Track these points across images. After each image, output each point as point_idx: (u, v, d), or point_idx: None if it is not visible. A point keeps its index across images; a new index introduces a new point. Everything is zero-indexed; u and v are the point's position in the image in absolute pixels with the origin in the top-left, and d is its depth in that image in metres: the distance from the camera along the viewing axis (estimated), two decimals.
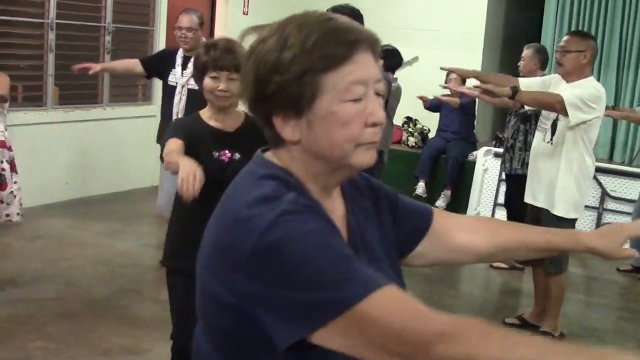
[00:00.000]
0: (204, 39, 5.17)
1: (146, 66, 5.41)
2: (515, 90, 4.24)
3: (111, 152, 7.42)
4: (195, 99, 4.96)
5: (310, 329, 1.15)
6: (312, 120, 1.25)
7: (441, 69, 4.71)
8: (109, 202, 7.19)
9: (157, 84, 7.76)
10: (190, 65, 5.04)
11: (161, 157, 3.01)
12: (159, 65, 5.30)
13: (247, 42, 1.31)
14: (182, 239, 2.99)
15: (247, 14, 8.57)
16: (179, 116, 5.06)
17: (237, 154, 2.90)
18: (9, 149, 4.63)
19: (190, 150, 2.84)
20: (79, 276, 5.14)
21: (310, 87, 1.23)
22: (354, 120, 1.24)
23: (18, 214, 4.68)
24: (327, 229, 1.23)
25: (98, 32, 7.20)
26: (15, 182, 4.65)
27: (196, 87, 5.05)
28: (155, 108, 7.78)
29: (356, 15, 3.88)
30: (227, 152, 2.91)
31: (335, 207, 1.36)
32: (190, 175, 2.63)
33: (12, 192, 4.62)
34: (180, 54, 5.20)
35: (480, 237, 1.53)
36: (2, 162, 4.57)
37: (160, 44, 7.72)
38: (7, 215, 4.64)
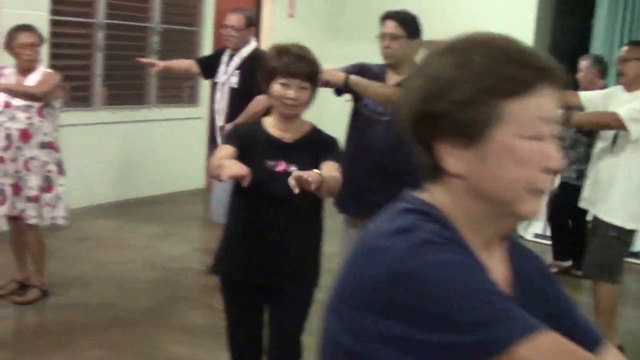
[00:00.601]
0: (254, 41, 5.10)
1: (202, 66, 5.34)
2: (569, 115, 4.13)
3: (157, 153, 7.35)
4: (237, 97, 4.96)
5: None
6: (483, 153, 1.08)
7: None
8: (156, 204, 7.10)
9: (204, 85, 7.70)
10: (233, 63, 5.02)
11: None
12: (214, 65, 5.21)
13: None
14: (232, 248, 2.89)
15: (293, 17, 8.44)
16: (220, 114, 5.02)
17: (292, 167, 2.73)
18: (57, 150, 4.52)
19: (243, 156, 2.72)
20: (131, 280, 5.04)
21: (487, 113, 1.07)
22: (533, 161, 1.08)
23: (63, 217, 4.57)
24: (473, 264, 1.06)
25: (145, 32, 7.12)
26: (62, 185, 4.52)
27: (235, 85, 5.02)
28: (201, 110, 7.74)
29: (415, 22, 3.69)
30: (282, 162, 2.77)
31: (496, 268, 1.16)
32: (234, 164, 2.53)
33: (57, 194, 4.49)
34: (227, 53, 5.14)
35: None
36: (49, 163, 4.45)
37: (207, 45, 7.63)
38: (52, 218, 4.52)
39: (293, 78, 2.71)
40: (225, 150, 2.76)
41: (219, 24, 7.73)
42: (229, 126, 4.89)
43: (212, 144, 5.18)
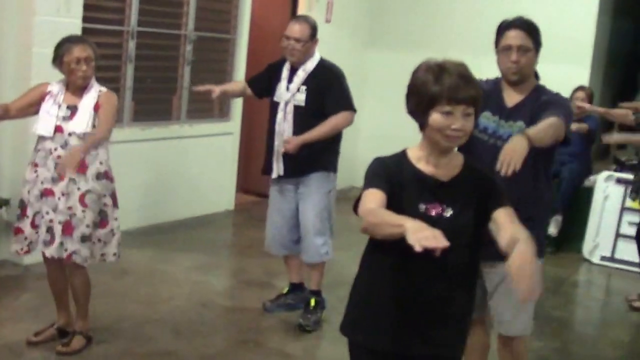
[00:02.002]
0: (317, 54, 4.52)
1: (253, 87, 4.78)
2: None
3: (187, 173, 6.74)
4: (302, 117, 4.40)
5: None
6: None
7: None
8: (188, 230, 6.50)
9: (235, 98, 7.12)
10: (296, 78, 4.44)
11: (354, 208, 2.33)
12: (267, 82, 4.64)
13: None
14: (373, 312, 2.36)
15: (329, 22, 7.90)
16: (283, 136, 4.44)
17: (449, 209, 2.28)
18: (112, 180, 3.92)
19: (391, 201, 2.23)
20: (184, 322, 4.44)
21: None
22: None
23: (114, 254, 3.97)
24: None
25: (178, 40, 6.53)
26: (116, 219, 3.94)
27: (302, 103, 4.42)
28: (232, 125, 7.16)
29: (539, 32, 3.15)
30: (437, 205, 2.29)
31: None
32: (426, 230, 2.00)
33: (112, 230, 3.91)
34: (286, 67, 4.54)
35: None
36: (105, 195, 3.86)
37: (241, 53, 7.05)
38: (102, 255, 3.93)
39: (458, 105, 2.21)
40: (375, 196, 2.25)
41: (255, 31, 7.24)
42: (294, 139, 4.38)
43: (267, 171, 4.58)
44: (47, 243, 3.78)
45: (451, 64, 2.25)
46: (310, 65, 4.46)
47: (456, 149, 2.37)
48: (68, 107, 3.78)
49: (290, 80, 4.47)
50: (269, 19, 7.59)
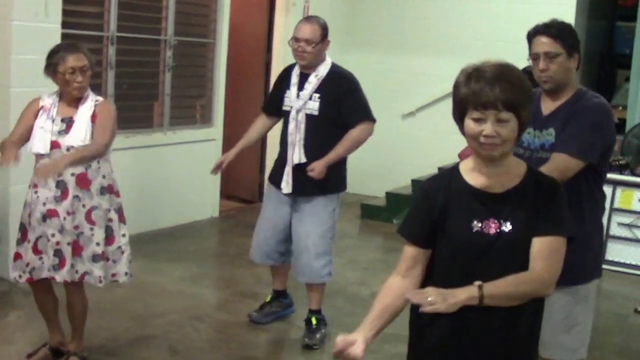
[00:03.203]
0: (329, 58, 4.29)
1: (270, 111, 4.45)
2: None
3: (171, 180, 6.57)
4: (319, 126, 4.16)
5: None
6: None
7: None
8: (174, 239, 6.33)
9: (217, 103, 6.98)
10: (308, 85, 4.19)
11: (399, 232, 2.24)
12: (277, 98, 4.34)
13: None
14: (433, 337, 2.16)
15: None
16: (297, 148, 4.18)
17: (507, 224, 2.09)
18: (117, 194, 3.74)
19: (438, 221, 2.11)
20: (181, 339, 4.28)
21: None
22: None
23: (126, 273, 3.78)
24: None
25: (158, 45, 6.36)
26: (124, 235, 3.75)
27: (315, 112, 4.17)
28: (215, 131, 7.00)
29: (572, 33, 3.01)
30: (493, 221, 2.10)
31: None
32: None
33: (119, 247, 3.72)
34: (296, 72, 4.27)
35: None
36: (109, 210, 3.68)
37: (222, 58, 6.90)
38: (113, 275, 3.74)
39: (486, 110, 2.03)
40: (408, 251, 2.20)
41: (234, 35, 7.09)
42: (317, 166, 4.11)
43: (274, 182, 4.33)
44: (57, 267, 3.55)
45: (487, 66, 2.08)
46: (323, 70, 4.20)
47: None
48: (63, 120, 3.57)
49: (301, 87, 4.21)
50: (247, 23, 7.48)
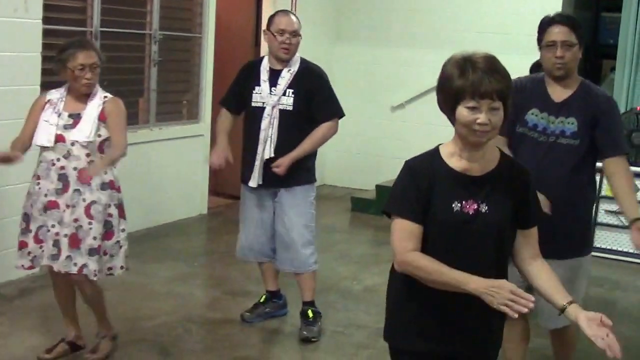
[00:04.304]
0: (297, 53, 4.24)
1: (232, 106, 4.36)
2: None
3: (157, 178, 6.45)
4: (289, 122, 4.11)
5: None
6: None
7: None
8: (161, 238, 6.21)
9: (204, 99, 6.86)
10: (282, 80, 4.11)
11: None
12: (238, 97, 4.29)
13: None
14: (414, 315, 2.32)
15: None
16: (268, 144, 4.12)
17: (484, 205, 2.24)
18: (118, 189, 3.71)
19: (424, 206, 2.23)
20: (173, 342, 4.17)
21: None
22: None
23: (122, 267, 3.76)
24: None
25: (143, 40, 6.23)
26: (123, 230, 3.74)
27: (290, 107, 4.10)
28: (203, 126, 6.89)
29: (582, 28, 3.23)
30: (472, 202, 2.24)
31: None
32: (503, 289, 2.08)
33: (118, 241, 3.70)
34: (265, 66, 4.20)
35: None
36: (110, 205, 3.65)
37: (209, 52, 6.77)
38: (110, 269, 3.72)
39: (482, 99, 2.15)
40: (410, 233, 2.23)
41: (221, 30, 6.97)
42: (283, 163, 4.09)
43: (245, 179, 4.25)
44: (55, 257, 3.58)
45: (478, 57, 2.19)
46: (295, 66, 4.17)
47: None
48: (70, 115, 3.59)
49: (274, 83, 4.15)
50: (234, 17, 7.37)
